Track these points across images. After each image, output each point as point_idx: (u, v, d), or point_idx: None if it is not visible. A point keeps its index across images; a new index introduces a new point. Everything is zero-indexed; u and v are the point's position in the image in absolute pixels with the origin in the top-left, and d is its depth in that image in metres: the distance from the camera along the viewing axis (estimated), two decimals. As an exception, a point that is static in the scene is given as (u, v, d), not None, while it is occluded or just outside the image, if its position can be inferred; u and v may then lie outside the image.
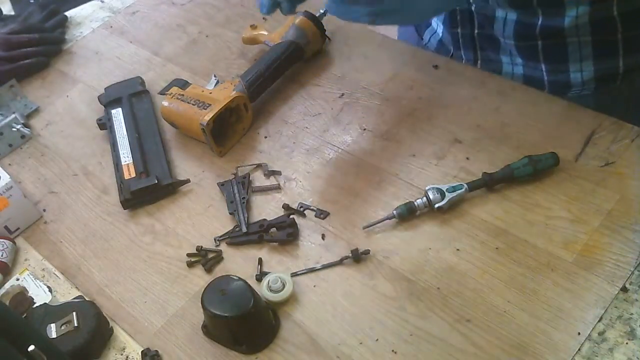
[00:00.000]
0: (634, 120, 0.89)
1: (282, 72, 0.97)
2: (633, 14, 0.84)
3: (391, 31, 1.07)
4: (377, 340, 0.68)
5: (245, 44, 1.04)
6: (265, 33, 1.01)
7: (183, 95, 0.92)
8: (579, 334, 0.64)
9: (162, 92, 0.95)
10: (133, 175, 0.87)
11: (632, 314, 0.65)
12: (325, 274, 0.74)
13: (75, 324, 0.70)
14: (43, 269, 0.82)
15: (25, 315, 0.74)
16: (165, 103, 0.92)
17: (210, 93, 0.92)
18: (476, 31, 0.96)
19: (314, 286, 0.73)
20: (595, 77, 0.91)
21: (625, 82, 0.92)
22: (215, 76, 0.98)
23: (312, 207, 0.81)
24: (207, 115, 0.86)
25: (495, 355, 0.64)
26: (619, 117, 0.85)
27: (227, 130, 0.92)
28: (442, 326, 0.67)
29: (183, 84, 0.95)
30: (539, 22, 0.86)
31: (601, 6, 0.83)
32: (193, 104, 0.90)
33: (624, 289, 0.66)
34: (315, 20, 0.98)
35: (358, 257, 0.74)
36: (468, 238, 0.74)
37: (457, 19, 0.95)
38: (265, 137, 0.91)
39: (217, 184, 0.86)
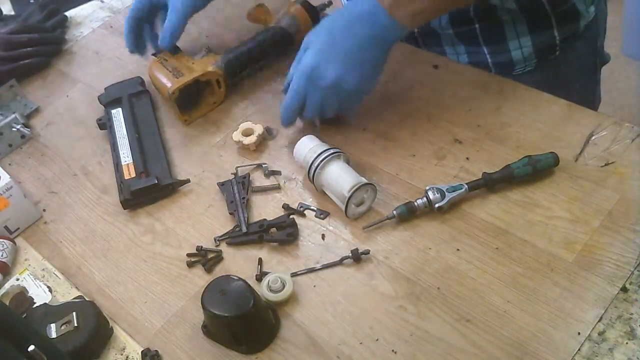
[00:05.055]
0: (579, 86, 0.95)
1: (265, 56, 0.98)
2: None
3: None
4: (377, 340, 0.68)
5: (248, 20, 1.05)
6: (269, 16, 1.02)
7: (167, 60, 0.96)
8: (579, 334, 0.64)
9: (154, 54, 1.00)
10: (133, 175, 0.87)
11: (632, 314, 0.65)
12: (325, 274, 0.74)
13: (75, 324, 0.70)
14: (43, 269, 0.82)
15: (25, 315, 0.74)
16: (151, 65, 0.97)
17: (192, 63, 0.95)
18: (416, 30, 0.99)
19: (314, 286, 0.73)
20: (535, 51, 0.95)
21: (563, 51, 0.95)
22: (206, 49, 0.98)
23: (312, 207, 0.81)
24: (175, 84, 0.90)
25: (495, 355, 0.64)
26: (566, 88, 0.89)
27: (199, 101, 0.95)
28: (442, 326, 0.67)
29: (174, 49, 0.97)
30: (471, 6, 0.91)
31: None
32: (170, 71, 0.93)
33: (624, 289, 0.66)
34: (312, 11, 0.98)
35: (358, 257, 0.74)
36: (468, 238, 0.74)
37: None
38: (266, 137, 0.91)
39: (217, 184, 0.86)
